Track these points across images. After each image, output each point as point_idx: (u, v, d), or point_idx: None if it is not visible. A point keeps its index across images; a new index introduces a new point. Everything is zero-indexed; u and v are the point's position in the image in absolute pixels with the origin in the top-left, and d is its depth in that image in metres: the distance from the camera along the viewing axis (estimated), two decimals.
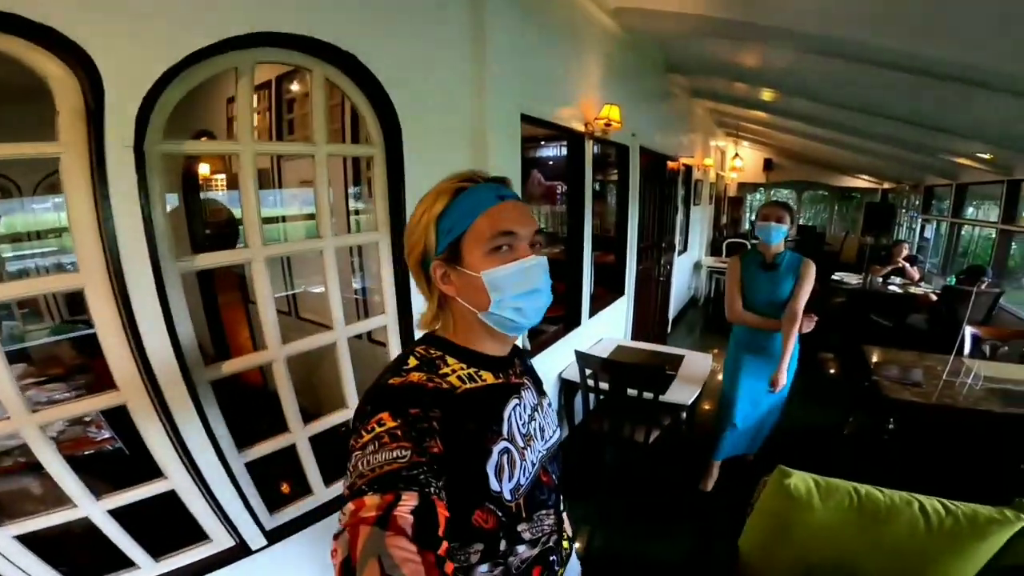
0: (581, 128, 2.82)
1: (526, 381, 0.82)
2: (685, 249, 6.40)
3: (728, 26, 2.60)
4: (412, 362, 0.70)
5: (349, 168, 2.60)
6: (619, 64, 3.23)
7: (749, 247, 2.67)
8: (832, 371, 4.65)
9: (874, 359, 3.06)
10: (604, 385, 2.53)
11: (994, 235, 4.69)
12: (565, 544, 0.89)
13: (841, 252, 9.73)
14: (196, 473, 1.29)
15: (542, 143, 4.80)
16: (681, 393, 2.67)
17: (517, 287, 0.70)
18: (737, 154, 8.73)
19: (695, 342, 5.64)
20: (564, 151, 3.34)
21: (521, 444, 0.73)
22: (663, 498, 2.71)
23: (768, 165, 9.90)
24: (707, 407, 3.61)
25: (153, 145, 1.13)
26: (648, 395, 2.36)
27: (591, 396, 2.71)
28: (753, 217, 11.38)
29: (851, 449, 3.15)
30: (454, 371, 0.71)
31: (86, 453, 1.88)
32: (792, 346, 2.27)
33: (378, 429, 0.58)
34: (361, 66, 1.40)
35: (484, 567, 0.69)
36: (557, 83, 2.56)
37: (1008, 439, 2.50)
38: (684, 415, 2.68)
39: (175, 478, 1.28)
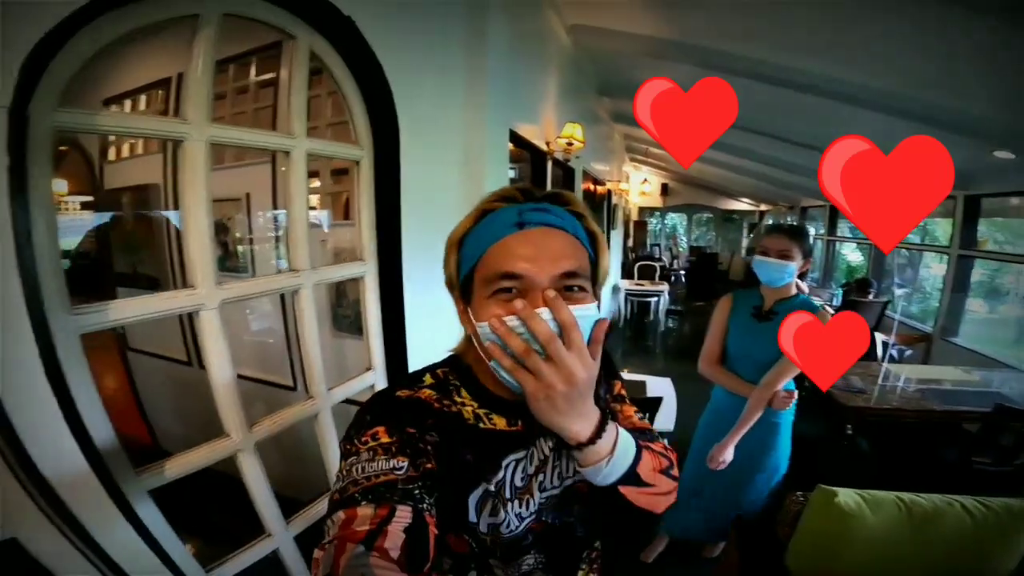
0: (544, 147, 2.64)
1: (548, 433, 0.68)
2: None
3: (664, 46, 2.72)
4: (428, 380, 0.64)
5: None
6: (569, 84, 3.14)
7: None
8: None
9: None
10: None
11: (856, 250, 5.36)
12: None
13: (729, 271, 10.74)
14: None
15: None
16: (659, 421, 2.51)
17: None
18: (646, 179, 9.27)
19: (618, 363, 5.65)
20: (513, 172, 3.13)
21: (508, 496, 0.65)
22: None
23: (665, 190, 10.70)
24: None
25: (43, 114, 0.70)
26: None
27: None
28: (661, 241, 12.03)
29: (819, 455, 3.23)
30: (465, 405, 0.63)
31: None
32: (753, 419, 1.69)
33: (371, 443, 0.55)
34: (359, 40, 1.05)
35: None
36: (529, 98, 2.36)
37: (948, 433, 2.73)
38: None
39: None
